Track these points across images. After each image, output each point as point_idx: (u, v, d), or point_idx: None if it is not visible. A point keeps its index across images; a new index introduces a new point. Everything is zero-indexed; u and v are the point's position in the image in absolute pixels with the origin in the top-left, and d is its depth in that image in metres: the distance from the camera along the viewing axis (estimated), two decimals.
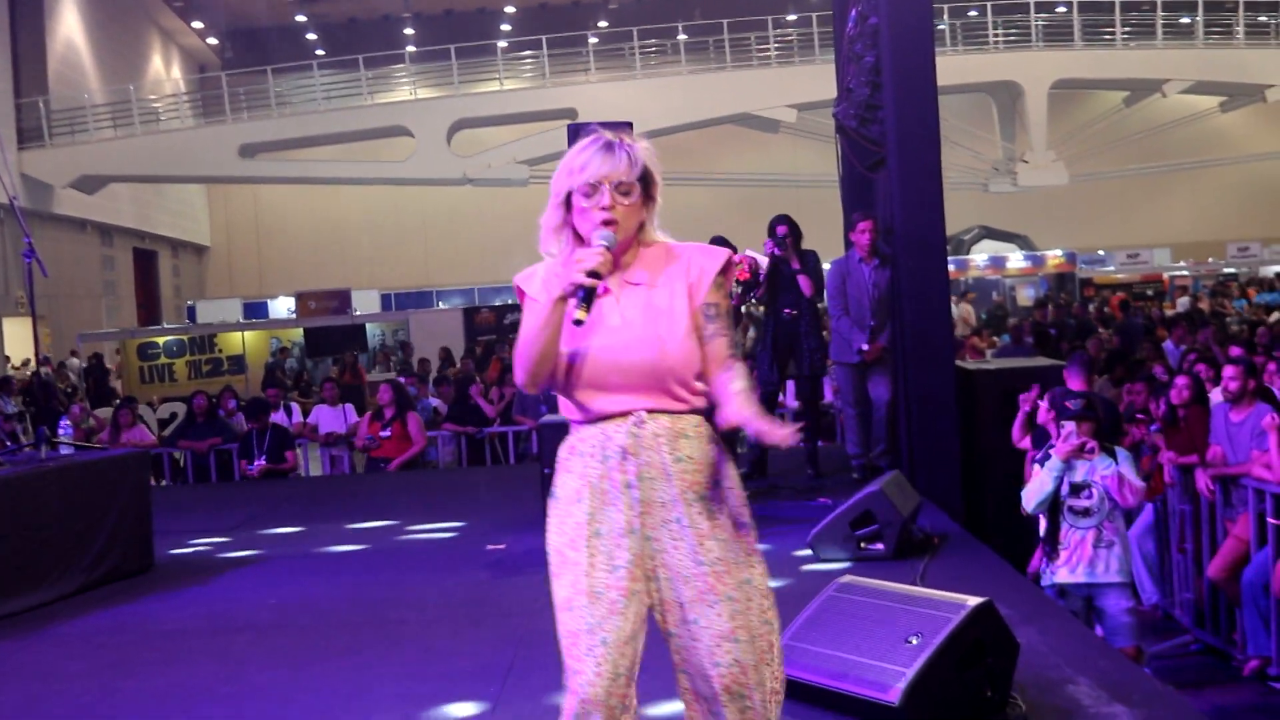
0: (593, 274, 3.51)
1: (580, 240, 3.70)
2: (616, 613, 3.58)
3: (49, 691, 6.60)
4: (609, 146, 3.67)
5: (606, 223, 3.62)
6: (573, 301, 3.53)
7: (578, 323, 3.52)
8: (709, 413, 3.73)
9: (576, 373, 3.65)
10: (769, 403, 11.14)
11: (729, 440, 7.53)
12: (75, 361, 32.51)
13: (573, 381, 3.67)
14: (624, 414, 3.65)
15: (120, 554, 9.11)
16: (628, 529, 3.63)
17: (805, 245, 11.19)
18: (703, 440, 3.71)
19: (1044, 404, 8.66)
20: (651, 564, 3.65)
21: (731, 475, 3.79)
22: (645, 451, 3.64)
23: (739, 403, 3.54)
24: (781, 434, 3.53)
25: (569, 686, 3.56)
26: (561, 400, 3.76)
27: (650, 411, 3.65)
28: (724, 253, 3.80)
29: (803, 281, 10.92)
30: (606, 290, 3.65)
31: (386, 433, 14.30)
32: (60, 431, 10.01)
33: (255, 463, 14.34)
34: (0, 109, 33.47)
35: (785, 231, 10.96)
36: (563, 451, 3.75)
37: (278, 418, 15.71)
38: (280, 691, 6.31)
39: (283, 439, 14.66)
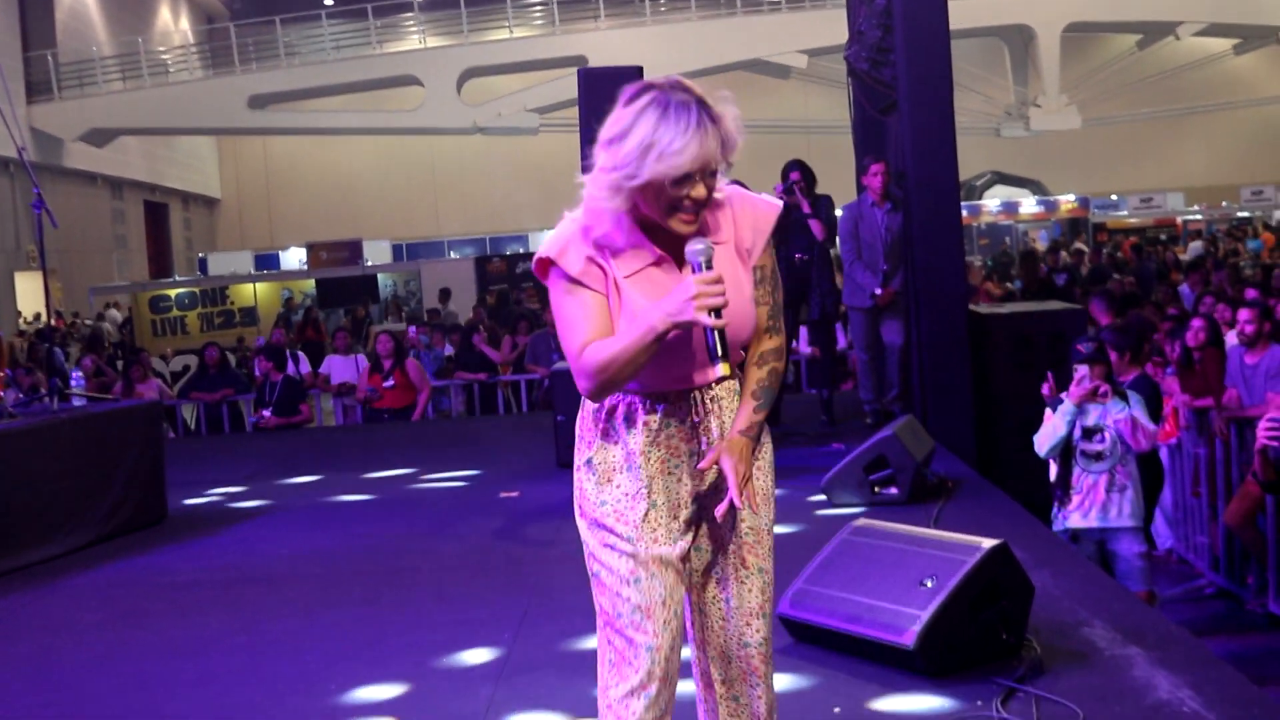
0: (716, 312, 3.11)
1: (637, 210, 3.26)
2: (680, 584, 3.42)
3: (63, 642, 6.61)
4: (702, 125, 3.14)
5: (689, 223, 3.23)
6: (704, 348, 3.25)
7: (721, 379, 3.34)
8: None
9: None
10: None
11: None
12: (115, 313, 32.58)
13: None
14: (688, 386, 3.39)
15: (134, 506, 9.11)
16: (687, 500, 3.44)
17: (819, 191, 11.12)
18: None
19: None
20: (698, 534, 3.51)
21: (768, 436, 3.58)
22: (710, 419, 3.41)
23: (734, 447, 3.35)
24: (735, 496, 3.30)
25: (637, 664, 3.34)
26: None
27: (718, 381, 3.41)
28: (777, 208, 3.49)
29: (814, 225, 10.85)
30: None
31: (390, 382, 14.25)
32: (72, 384, 9.99)
33: (263, 412, 14.31)
34: (8, 63, 33.34)
35: (798, 177, 10.89)
36: (599, 420, 3.44)
37: (290, 367, 15.70)
38: (293, 641, 6.32)
39: (295, 391, 14.63)
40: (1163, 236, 37.83)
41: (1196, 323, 9.95)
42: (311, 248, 35.39)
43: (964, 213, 12.75)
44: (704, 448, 3.40)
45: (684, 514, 3.43)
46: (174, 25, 46.27)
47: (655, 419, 3.38)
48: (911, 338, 10.58)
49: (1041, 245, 35.74)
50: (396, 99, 40.46)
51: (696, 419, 3.41)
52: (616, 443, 3.42)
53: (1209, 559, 9.61)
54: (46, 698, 5.74)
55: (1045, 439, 7.80)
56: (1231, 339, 9.88)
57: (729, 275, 3.25)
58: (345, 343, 16.01)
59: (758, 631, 3.51)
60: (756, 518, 3.50)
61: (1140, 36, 43.38)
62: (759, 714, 3.56)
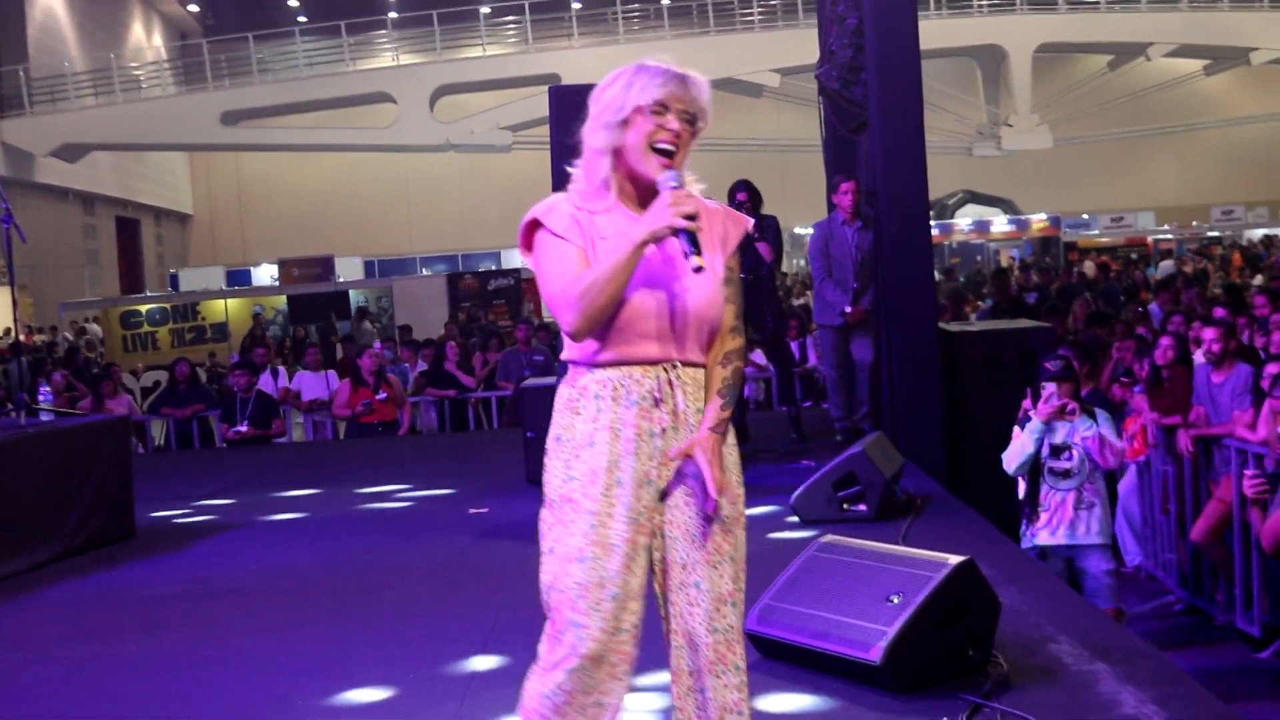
0: (691, 217, 3.39)
1: (618, 168, 3.57)
2: (627, 568, 3.49)
3: (29, 658, 6.57)
4: (678, 75, 3.52)
5: (666, 165, 3.50)
6: (678, 248, 3.46)
7: (698, 270, 3.43)
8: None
9: (625, 314, 3.47)
10: None
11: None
12: (95, 328, 32.44)
13: (617, 322, 3.48)
14: (654, 361, 3.52)
15: (101, 520, 9.07)
16: (644, 479, 3.52)
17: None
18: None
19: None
20: (660, 519, 3.57)
21: (733, 434, 3.68)
22: (674, 400, 3.53)
23: (705, 444, 3.52)
24: (712, 490, 3.50)
25: (564, 640, 3.48)
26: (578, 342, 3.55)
27: (683, 362, 3.55)
28: (749, 223, 3.76)
29: (761, 248, 10.87)
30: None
31: (382, 395, 14.23)
32: (40, 398, 9.97)
33: (237, 427, 14.27)
34: None
35: (744, 198, 10.90)
36: (570, 392, 3.57)
37: (263, 382, 15.67)
38: (263, 656, 6.30)
39: (267, 405, 14.61)
40: (1134, 255, 37.98)
41: (1165, 341, 9.99)
42: (283, 264, 35.35)
43: (936, 231, 12.84)
44: (667, 426, 3.52)
45: (647, 493, 3.52)
46: (147, 41, 46.22)
47: (622, 396, 3.50)
48: (882, 355, 10.61)
49: (1014, 262, 35.87)
50: (370, 116, 40.48)
51: (659, 396, 3.51)
52: (583, 420, 3.52)
53: (1177, 575, 9.65)
54: (11, 712, 5.71)
55: (1013, 456, 7.83)
56: (1199, 357, 9.93)
57: (707, 260, 3.48)
58: (316, 359, 15.96)
59: (726, 617, 3.56)
60: (732, 506, 3.59)
61: (1111, 57, 43.65)
62: (728, 703, 3.58)
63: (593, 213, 3.55)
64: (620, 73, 3.56)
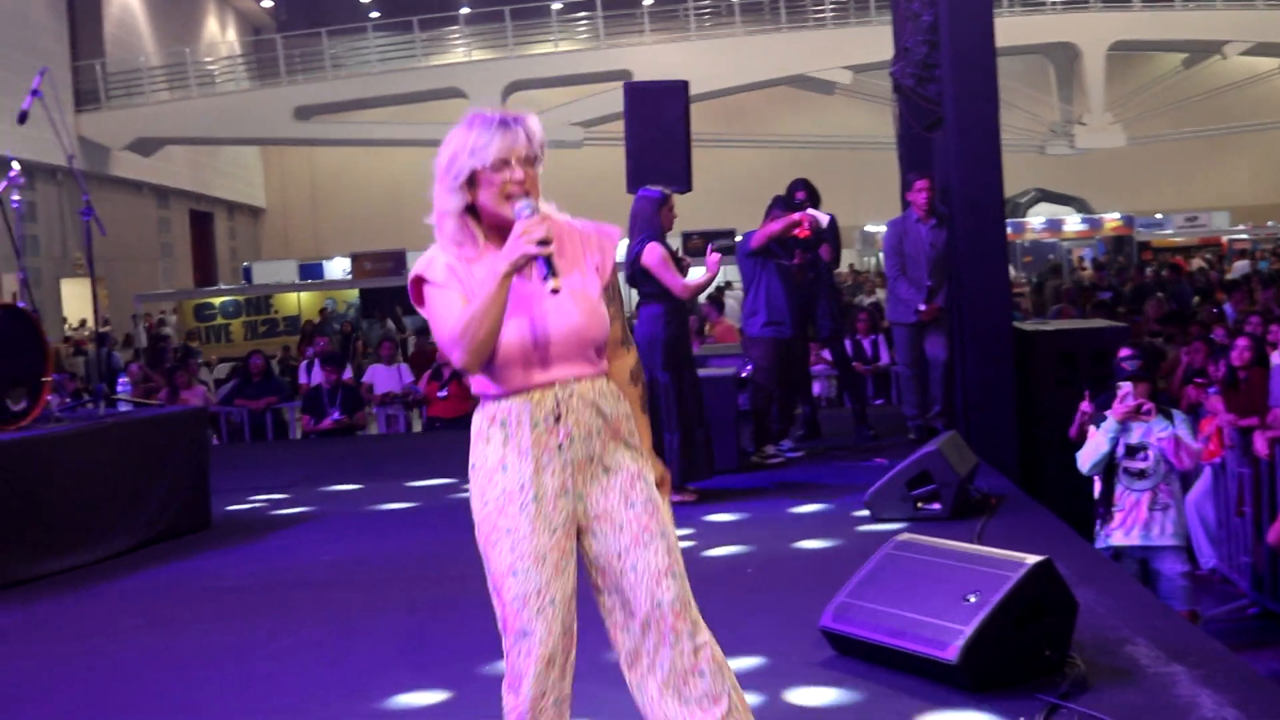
0: (543, 242, 3.61)
1: (480, 222, 3.81)
2: (560, 573, 3.76)
3: (105, 645, 6.68)
4: (504, 123, 3.76)
5: (519, 196, 3.73)
6: (537, 273, 3.69)
7: (554, 291, 3.63)
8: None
9: (505, 347, 3.72)
10: (795, 358, 11.03)
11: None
12: (174, 319, 32.80)
13: (501, 355, 3.73)
14: (549, 384, 3.76)
15: (177, 511, 9.18)
16: (561, 490, 3.77)
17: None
18: (617, 397, 3.88)
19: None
20: (585, 521, 3.82)
21: (635, 430, 3.95)
22: (574, 414, 3.77)
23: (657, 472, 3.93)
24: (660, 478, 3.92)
25: (523, 649, 3.73)
26: (478, 376, 3.81)
27: (576, 378, 3.79)
28: (618, 232, 4.01)
29: (823, 250, 10.93)
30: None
31: (444, 392, 14.32)
32: (119, 389, 10.09)
33: (329, 417, 14.36)
34: (57, 72, 33.37)
35: (804, 196, 10.88)
36: (480, 423, 3.83)
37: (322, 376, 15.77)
38: (334, 647, 6.36)
39: (354, 397, 14.69)
40: (1208, 255, 37.61)
41: (1241, 341, 9.93)
42: (356, 258, 35.45)
43: (1008, 230, 12.74)
44: (571, 436, 3.77)
45: (561, 505, 3.78)
46: (221, 36, 46.54)
47: (525, 419, 3.75)
48: (955, 353, 10.58)
49: (1086, 264, 35.65)
50: (441, 111, 40.53)
51: (559, 413, 3.76)
52: (491, 442, 3.80)
53: (1251, 578, 9.56)
54: (88, 699, 5.80)
55: (1088, 456, 7.80)
56: (1276, 358, 9.85)
57: (579, 283, 3.81)
58: (390, 352, 16.06)
59: (668, 590, 3.78)
60: (650, 489, 3.87)
61: (1186, 55, 43.20)
62: (686, 668, 3.78)
63: (469, 261, 3.78)
64: (452, 136, 3.79)
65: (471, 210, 3.79)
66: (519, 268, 3.65)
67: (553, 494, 3.76)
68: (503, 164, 3.71)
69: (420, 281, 3.81)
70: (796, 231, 10.43)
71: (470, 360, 3.69)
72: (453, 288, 3.75)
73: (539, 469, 3.75)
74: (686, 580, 3.84)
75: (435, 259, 3.82)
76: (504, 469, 3.77)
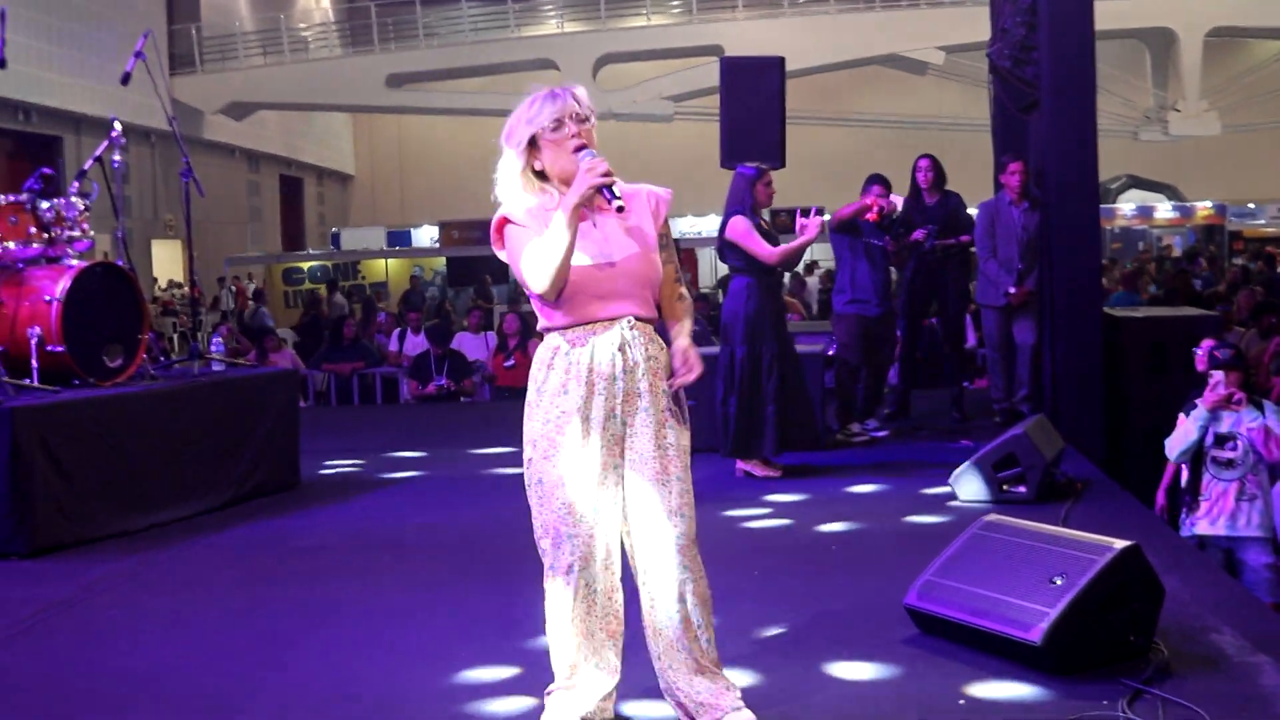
0: (606, 174, 4.13)
1: (546, 180, 4.34)
2: (605, 484, 4.28)
3: (199, 598, 6.79)
4: (553, 94, 4.32)
5: (580, 147, 4.25)
6: (600, 198, 4.22)
7: (620, 209, 4.19)
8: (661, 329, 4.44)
9: (575, 275, 4.18)
10: (881, 337, 11.06)
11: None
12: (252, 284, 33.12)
13: (571, 285, 4.19)
14: (612, 318, 4.24)
15: (268, 470, 9.31)
16: (610, 414, 4.25)
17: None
18: (661, 345, 4.36)
19: (1201, 350, 8.39)
20: (623, 445, 4.30)
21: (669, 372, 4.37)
22: (631, 349, 4.25)
23: (681, 356, 4.33)
24: (680, 379, 4.31)
25: (564, 550, 4.27)
26: (548, 306, 4.26)
27: (635, 316, 4.27)
28: (669, 193, 4.53)
29: (918, 233, 11.00)
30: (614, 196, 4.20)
31: (510, 362, 14.38)
32: (212, 348, 10.22)
33: (434, 382, 14.48)
34: (154, 36, 33.94)
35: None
36: (545, 351, 4.30)
37: (418, 341, 15.87)
38: (418, 612, 6.39)
39: (461, 364, 14.78)
40: None
41: None
42: (444, 226, 35.59)
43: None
44: (626, 368, 4.24)
45: (613, 424, 4.27)
46: (315, 3, 46.81)
47: (586, 349, 4.23)
48: (1044, 337, 10.54)
49: (1176, 251, 35.23)
50: (532, 82, 40.58)
51: (620, 345, 4.24)
52: (556, 372, 4.26)
53: None
54: (184, 649, 5.89)
55: (1176, 444, 7.76)
56: None
57: (639, 225, 4.34)
58: (477, 321, 16.16)
59: (677, 527, 4.29)
60: (679, 433, 4.35)
61: None
62: (678, 594, 4.31)
63: (546, 209, 4.26)
64: (519, 110, 4.39)
65: (536, 175, 4.34)
66: (587, 200, 4.15)
67: (604, 416, 4.24)
68: (558, 124, 4.27)
69: (505, 222, 4.31)
70: (868, 216, 10.49)
71: (548, 288, 4.16)
72: (532, 228, 4.22)
73: (594, 392, 4.23)
74: (694, 522, 4.34)
75: (517, 205, 4.33)
76: (564, 391, 4.24)
